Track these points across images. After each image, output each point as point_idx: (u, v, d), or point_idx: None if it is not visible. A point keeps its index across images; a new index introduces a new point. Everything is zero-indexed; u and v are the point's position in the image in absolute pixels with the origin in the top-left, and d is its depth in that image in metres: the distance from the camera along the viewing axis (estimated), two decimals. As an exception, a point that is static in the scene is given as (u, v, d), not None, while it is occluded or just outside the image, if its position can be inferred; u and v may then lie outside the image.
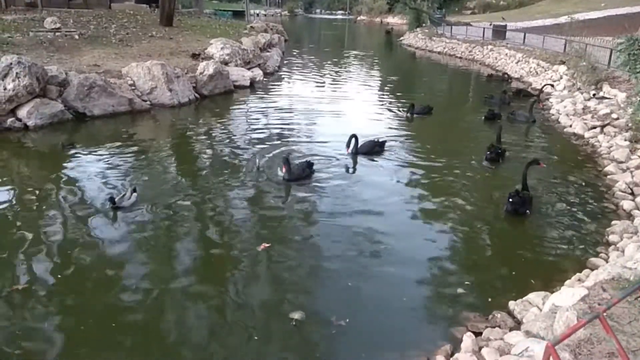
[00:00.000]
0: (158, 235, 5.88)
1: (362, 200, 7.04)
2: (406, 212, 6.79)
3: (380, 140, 9.38)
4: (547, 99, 14.29)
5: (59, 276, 4.92)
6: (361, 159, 8.84)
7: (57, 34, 16.14)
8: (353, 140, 8.79)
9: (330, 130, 10.82)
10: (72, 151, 8.74)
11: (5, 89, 9.66)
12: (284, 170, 7.14)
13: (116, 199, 6.26)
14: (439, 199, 7.22)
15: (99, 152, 8.75)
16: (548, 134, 11.19)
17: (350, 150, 8.77)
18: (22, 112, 9.91)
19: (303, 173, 7.37)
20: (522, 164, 8.70)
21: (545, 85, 15.36)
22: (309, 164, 7.63)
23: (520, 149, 10.02)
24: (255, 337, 4.17)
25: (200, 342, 4.12)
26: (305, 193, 7.19)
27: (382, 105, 14.39)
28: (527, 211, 6.62)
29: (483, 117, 12.24)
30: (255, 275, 5.12)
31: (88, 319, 4.33)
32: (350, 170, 8.39)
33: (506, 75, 19.07)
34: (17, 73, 9.72)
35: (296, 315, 4.42)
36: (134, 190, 6.55)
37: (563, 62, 16.56)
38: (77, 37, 16.23)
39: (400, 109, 13.26)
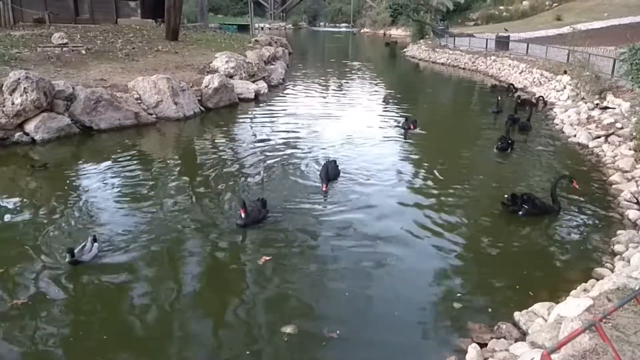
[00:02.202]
0: (161, 248, 5.90)
1: (362, 213, 7.02)
2: (406, 223, 6.75)
3: (331, 159, 8.86)
4: (551, 109, 14.33)
5: (57, 291, 4.93)
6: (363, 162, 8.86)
7: (64, 49, 16.38)
8: (324, 173, 8.07)
9: (334, 142, 10.83)
10: (80, 164, 8.84)
11: (13, 103, 9.80)
12: (242, 214, 6.30)
13: (76, 252, 5.32)
14: (441, 208, 7.22)
15: (103, 166, 8.84)
16: (552, 144, 11.18)
17: (327, 186, 7.91)
18: (30, 127, 10.04)
19: (259, 215, 6.52)
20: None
21: (538, 97, 15.52)
22: (263, 203, 6.76)
23: (524, 151, 10.30)
24: (248, 352, 4.16)
25: (193, 356, 4.12)
26: (306, 207, 7.20)
27: (384, 116, 14.38)
28: (520, 212, 6.87)
29: (505, 121, 12.33)
30: (256, 287, 5.14)
31: (86, 332, 4.36)
32: (350, 185, 8.14)
33: (512, 86, 19.08)
34: (24, 88, 9.85)
35: (288, 329, 4.39)
36: (95, 240, 5.59)
37: (566, 72, 16.59)
38: (84, 52, 16.46)
39: (400, 123, 13.06)
